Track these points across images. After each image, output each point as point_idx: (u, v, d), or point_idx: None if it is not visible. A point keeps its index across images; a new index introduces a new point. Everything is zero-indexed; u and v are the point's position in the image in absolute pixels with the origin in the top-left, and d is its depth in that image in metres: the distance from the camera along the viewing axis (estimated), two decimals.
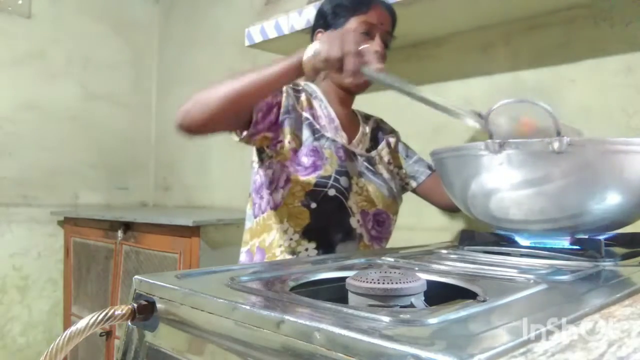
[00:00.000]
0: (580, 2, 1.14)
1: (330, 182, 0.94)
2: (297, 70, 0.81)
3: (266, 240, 0.97)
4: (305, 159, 0.95)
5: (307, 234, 0.94)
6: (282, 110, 0.95)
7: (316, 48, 0.79)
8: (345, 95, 1.06)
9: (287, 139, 0.95)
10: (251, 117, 0.88)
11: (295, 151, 0.95)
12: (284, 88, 0.96)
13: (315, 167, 0.95)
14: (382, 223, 1.04)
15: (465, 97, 1.32)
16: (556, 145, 0.62)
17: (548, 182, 0.65)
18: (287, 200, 0.94)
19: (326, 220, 0.95)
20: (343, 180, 0.96)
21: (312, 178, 0.94)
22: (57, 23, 2.24)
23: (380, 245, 1.04)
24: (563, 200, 0.66)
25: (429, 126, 1.35)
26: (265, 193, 0.98)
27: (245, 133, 0.89)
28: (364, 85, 1.02)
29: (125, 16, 2.49)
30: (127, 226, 1.74)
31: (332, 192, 0.94)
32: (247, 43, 1.53)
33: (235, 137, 0.92)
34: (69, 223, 2.12)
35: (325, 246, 0.95)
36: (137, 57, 2.52)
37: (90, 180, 2.34)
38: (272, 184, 0.96)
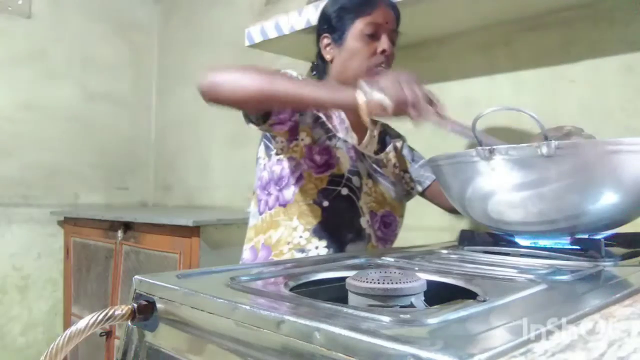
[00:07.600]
0: (580, 2, 1.14)
1: (343, 181, 0.95)
2: (350, 108, 0.77)
3: (272, 237, 0.96)
4: (318, 157, 0.95)
5: (318, 232, 0.94)
6: None
7: (379, 95, 0.74)
8: None
9: (301, 136, 0.95)
10: None
11: (310, 148, 0.95)
12: None
13: (328, 166, 0.95)
14: (388, 225, 1.04)
15: (466, 97, 1.32)
16: (545, 149, 0.62)
17: (541, 185, 0.66)
18: (298, 197, 0.94)
19: (338, 219, 0.95)
20: (355, 180, 0.97)
21: (325, 176, 0.94)
22: (57, 23, 2.24)
23: (385, 247, 1.04)
24: (557, 202, 0.66)
25: (429, 126, 1.34)
26: (273, 189, 0.97)
27: (269, 120, 0.89)
28: None
29: (125, 17, 2.49)
30: (127, 226, 1.74)
31: (344, 191, 0.95)
32: (247, 43, 1.53)
33: (252, 126, 0.91)
34: (69, 223, 2.12)
35: (336, 245, 0.95)
36: (137, 58, 2.53)
37: (90, 180, 2.34)
38: (282, 180, 0.96)
